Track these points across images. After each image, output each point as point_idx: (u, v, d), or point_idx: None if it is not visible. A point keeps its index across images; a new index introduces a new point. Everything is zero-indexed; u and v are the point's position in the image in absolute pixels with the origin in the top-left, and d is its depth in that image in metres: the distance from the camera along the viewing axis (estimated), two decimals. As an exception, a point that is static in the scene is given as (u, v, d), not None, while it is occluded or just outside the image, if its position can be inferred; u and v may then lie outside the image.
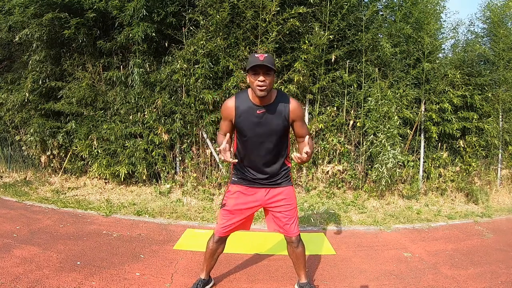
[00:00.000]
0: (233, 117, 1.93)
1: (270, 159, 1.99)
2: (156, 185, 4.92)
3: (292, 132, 2.05)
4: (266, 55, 1.80)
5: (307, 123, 4.89)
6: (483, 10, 6.09)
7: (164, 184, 4.83)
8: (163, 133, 4.70)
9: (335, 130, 4.94)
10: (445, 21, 6.25)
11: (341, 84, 4.92)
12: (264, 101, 1.88)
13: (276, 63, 4.56)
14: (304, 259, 2.21)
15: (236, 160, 1.90)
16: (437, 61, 5.18)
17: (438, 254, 3.05)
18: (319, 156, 4.95)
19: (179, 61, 4.55)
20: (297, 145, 2.13)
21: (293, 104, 1.93)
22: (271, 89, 1.86)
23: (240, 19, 4.58)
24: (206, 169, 4.95)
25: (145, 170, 4.74)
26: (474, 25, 6.22)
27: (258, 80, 1.78)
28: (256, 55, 1.80)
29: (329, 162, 4.98)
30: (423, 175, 5.25)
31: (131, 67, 4.74)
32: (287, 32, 4.59)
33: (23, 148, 5.84)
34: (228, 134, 1.87)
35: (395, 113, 4.61)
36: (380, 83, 4.76)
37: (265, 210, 2.14)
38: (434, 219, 4.14)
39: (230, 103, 1.95)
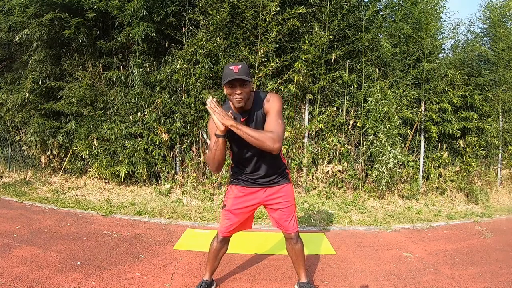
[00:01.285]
0: None
1: (264, 162, 2.01)
2: (156, 185, 4.92)
3: None
4: (240, 65, 1.79)
5: (305, 123, 4.89)
6: (483, 10, 6.10)
7: (164, 184, 4.83)
8: (163, 133, 4.70)
9: (335, 130, 4.94)
10: (445, 21, 6.26)
11: (341, 84, 4.92)
12: (244, 107, 1.89)
13: (276, 63, 4.56)
14: (304, 257, 2.22)
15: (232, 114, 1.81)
16: (437, 61, 5.18)
17: (438, 254, 3.05)
18: (319, 156, 4.95)
19: (179, 61, 4.55)
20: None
21: (269, 96, 1.92)
22: (249, 98, 1.87)
23: (240, 19, 4.58)
24: (206, 169, 4.95)
25: (145, 170, 4.74)
26: (474, 25, 6.24)
27: (236, 93, 1.81)
28: (230, 67, 1.80)
29: (329, 162, 4.97)
30: (423, 175, 5.25)
31: (131, 67, 4.74)
32: (287, 32, 4.59)
33: (23, 148, 5.84)
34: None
35: (395, 113, 4.61)
36: (380, 83, 4.76)
37: (265, 208, 2.17)
38: (434, 219, 4.14)
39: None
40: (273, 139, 1.75)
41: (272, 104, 1.88)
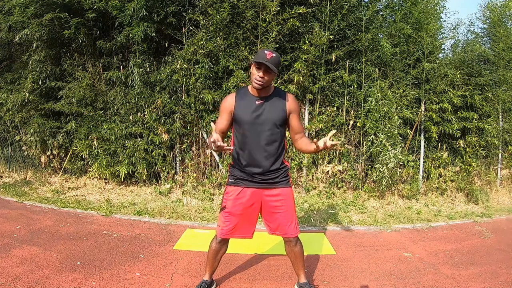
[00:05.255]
0: (233, 108, 2.02)
1: (268, 152, 2.00)
2: (156, 185, 4.92)
3: (288, 129, 2.09)
4: (274, 55, 1.91)
5: (305, 123, 4.90)
6: (483, 10, 6.11)
7: (164, 184, 4.83)
8: (163, 133, 4.70)
9: (335, 130, 4.94)
10: (445, 21, 6.26)
11: (341, 84, 4.92)
12: (262, 93, 2.01)
13: (277, 63, 4.56)
14: (303, 259, 2.21)
15: (232, 148, 1.94)
16: (437, 61, 5.18)
17: (438, 254, 3.05)
18: (319, 156, 4.95)
19: (179, 61, 4.55)
20: (295, 146, 2.14)
21: (289, 96, 2.07)
22: (268, 85, 1.98)
23: (240, 19, 4.57)
24: (206, 169, 4.95)
25: (145, 170, 4.74)
26: (474, 25, 6.26)
27: (258, 75, 1.91)
28: (266, 51, 1.91)
29: (329, 162, 4.97)
30: (423, 175, 5.25)
31: (131, 67, 4.74)
32: (287, 32, 4.59)
33: (23, 148, 5.84)
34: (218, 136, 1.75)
35: (395, 113, 4.61)
36: (380, 83, 4.76)
37: (263, 212, 2.12)
38: (434, 219, 4.14)
39: (231, 96, 2.09)
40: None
41: (296, 106, 2.06)
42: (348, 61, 4.87)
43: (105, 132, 4.80)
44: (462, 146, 5.19)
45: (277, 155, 2.04)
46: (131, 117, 4.82)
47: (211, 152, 4.91)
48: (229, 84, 4.54)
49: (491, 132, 5.13)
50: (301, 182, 4.97)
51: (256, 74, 1.92)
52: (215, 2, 4.43)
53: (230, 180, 2.12)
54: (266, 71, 1.90)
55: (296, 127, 2.06)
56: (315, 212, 4.18)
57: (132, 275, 2.46)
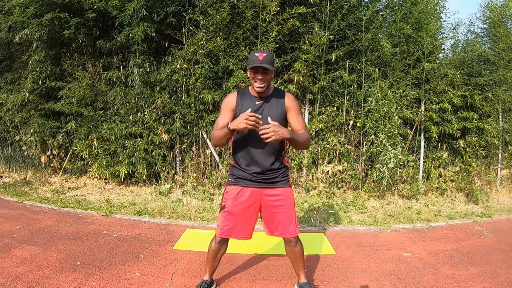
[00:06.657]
0: (234, 106, 2.05)
1: (268, 151, 2.02)
2: (156, 185, 4.92)
3: (289, 127, 2.09)
4: (265, 54, 1.92)
5: (306, 122, 4.89)
6: (483, 10, 6.12)
7: (164, 184, 4.83)
8: (163, 133, 4.70)
9: (335, 130, 4.94)
10: (445, 21, 6.27)
11: (341, 84, 4.92)
12: (262, 93, 2.03)
13: (276, 63, 4.56)
14: (303, 259, 2.21)
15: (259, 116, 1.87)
16: (437, 61, 5.18)
17: (438, 254, 3.05)
18: (319, 156, 4.95)
19: (179, 61, 4.55)
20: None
21: (287, 95, 2.10)
22: (269, 84, 2.02)
23: (240, 19, 4.58)
24: (206, 169, 4.95)
25: (145, 170, 4.74)
26: (474, 25, 6.28)
27: (257, 78, 1.95)
28: (256, 53, 1.93)
29: (329, 162, 4.97)
30: (423, 175, 5.25)
31: (131, 67, 4.74)
32: (287, 32, 4.59)
33: (23, 148, 5.84)
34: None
35: (395, 113, 4.61)
36: (380, 83, 4.76)
37: (262, 212, 2.12)
38: (434, 219, 4.14)
39: (232, 95, 2.12)
40: (310, 139, 2.03)
41: (294, 104, 2.06)
42: (348, 61, 4.87)
43: (105, 132, 4.81)
44: (462, 146, 5.20)
45: (277, 154, 2.05)
46: (131, 117, 4.82)
47: (211, 152, 4.91)
48: (229, 84, 4.54)
49: (491, 132, 5.13)
50: (301, 182, 4.97)
51: (255, 78, 1.94)
52: (215, 2, 4.43)
53: (230, 179, 2.12)
54: (264, 72, 1.93)
55: (295, 124, 2.04)
56: (315, 212, 4.18)
57: (132, 275, 2.46)
